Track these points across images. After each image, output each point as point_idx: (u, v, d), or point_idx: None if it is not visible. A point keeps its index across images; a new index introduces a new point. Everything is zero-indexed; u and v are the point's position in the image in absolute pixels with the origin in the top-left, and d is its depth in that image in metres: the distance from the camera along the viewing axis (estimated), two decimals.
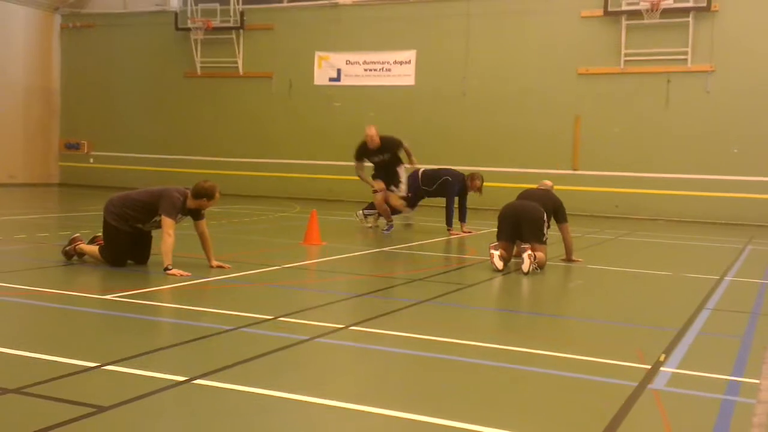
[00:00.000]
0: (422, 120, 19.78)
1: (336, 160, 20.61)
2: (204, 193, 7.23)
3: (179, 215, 7.27)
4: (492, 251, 8.03)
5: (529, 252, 7.84)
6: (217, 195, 7.32)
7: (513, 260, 8.41)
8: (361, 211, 12.87)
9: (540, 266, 8.02)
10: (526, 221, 8.27)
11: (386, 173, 11.97)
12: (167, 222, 7.10)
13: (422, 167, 12.58)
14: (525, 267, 7.78)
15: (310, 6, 21.21)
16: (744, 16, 17.20)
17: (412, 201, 12.45)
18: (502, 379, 4.17)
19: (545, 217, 8.37)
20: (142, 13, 23.02)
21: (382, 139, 11.77)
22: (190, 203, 7.27)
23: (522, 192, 9.02)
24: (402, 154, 12.04)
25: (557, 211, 8.73)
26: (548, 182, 9.33)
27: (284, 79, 21.44)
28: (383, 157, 11.89)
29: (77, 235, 7.79)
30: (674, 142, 17.63)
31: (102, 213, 7.46)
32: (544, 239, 8.27)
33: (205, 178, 7.66)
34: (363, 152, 11.91)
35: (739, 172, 17.02)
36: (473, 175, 12.06)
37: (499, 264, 7.92)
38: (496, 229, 8.55)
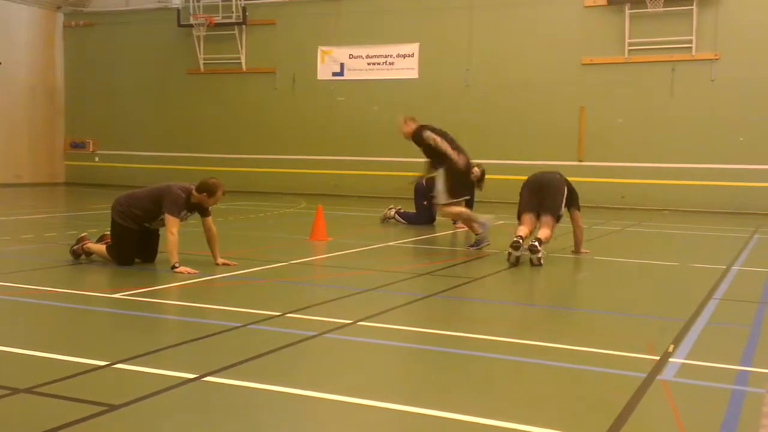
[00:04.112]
0: (426, 113, 19.52)
1: (341, 155, 20.63)
2: (205, 188, 7.25)
3: (184, 212, 7.30)
4: (511, 251, 7.90)
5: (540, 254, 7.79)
6: (219, 194, 7.31)
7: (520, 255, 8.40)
8: (395, 213, 12.40)
9: (541, 243, 7.94)
10: (549, 189, 8.37)
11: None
12: (170, 220, 7.12)
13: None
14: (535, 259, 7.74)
15: (313, 0, 21.18)
16: (748, 3, 17.10)
17: (429, 212, 12.06)
18: (511, 371, 4.17)
19: (565, 191, 8.41)
20: (144, 11, 23.03)
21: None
22: (194, 198, 7.28)
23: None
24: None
25: (572, 195, 8.62)
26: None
27: (287, 74, 21.43)
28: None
29: (85, 234, 7.82)
30: (680, 132, 17.56)
31: (109, 212, 7.50)
32: (559, 214, 8.30)
33: (212, 176, 7.68)
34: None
35: (746, 161, 16.94)
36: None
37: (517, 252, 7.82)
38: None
